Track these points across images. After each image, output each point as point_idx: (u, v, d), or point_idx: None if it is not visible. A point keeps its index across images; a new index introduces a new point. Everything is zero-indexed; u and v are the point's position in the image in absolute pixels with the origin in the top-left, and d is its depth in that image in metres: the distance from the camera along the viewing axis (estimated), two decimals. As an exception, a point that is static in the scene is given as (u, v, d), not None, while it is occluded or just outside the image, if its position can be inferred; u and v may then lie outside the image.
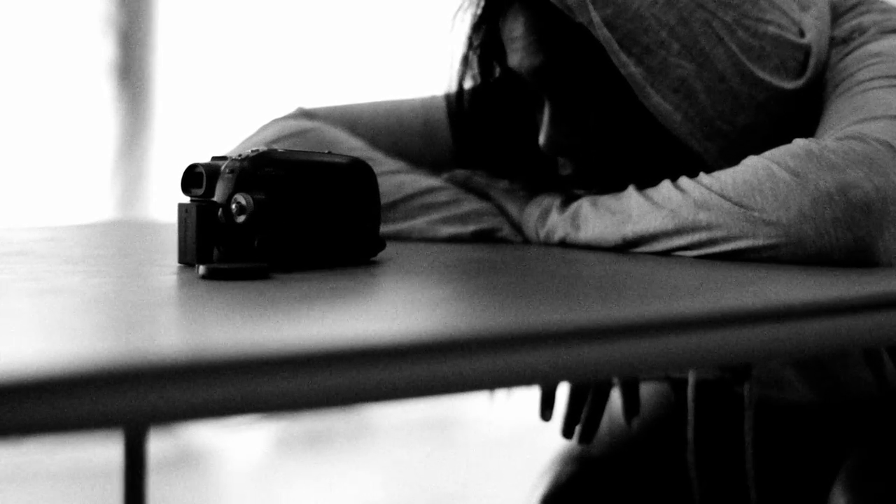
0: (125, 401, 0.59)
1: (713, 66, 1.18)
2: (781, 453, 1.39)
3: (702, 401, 1.37)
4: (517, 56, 1.23)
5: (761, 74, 1.19)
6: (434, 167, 1.36)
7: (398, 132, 1.38)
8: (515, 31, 1.23)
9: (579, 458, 1.42)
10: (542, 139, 1.24)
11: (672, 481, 1.38)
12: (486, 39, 1.30)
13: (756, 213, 1.08)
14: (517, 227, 1.29)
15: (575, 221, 1.21)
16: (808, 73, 1.22)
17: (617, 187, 1.21)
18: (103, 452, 3.00)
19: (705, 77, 1.18)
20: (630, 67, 1.17)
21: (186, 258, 1.03)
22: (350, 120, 1.38)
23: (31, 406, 0.57)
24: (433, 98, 1.38)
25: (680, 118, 1.18)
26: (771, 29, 1.20)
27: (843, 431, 1.38)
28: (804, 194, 1.06)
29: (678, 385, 1.40)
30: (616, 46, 1.17)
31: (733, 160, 1.14)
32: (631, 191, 1.18)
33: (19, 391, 0.57)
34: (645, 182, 1.18)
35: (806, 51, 1.23)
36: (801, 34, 1.23)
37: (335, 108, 1.40)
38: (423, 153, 1.38)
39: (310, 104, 1.40)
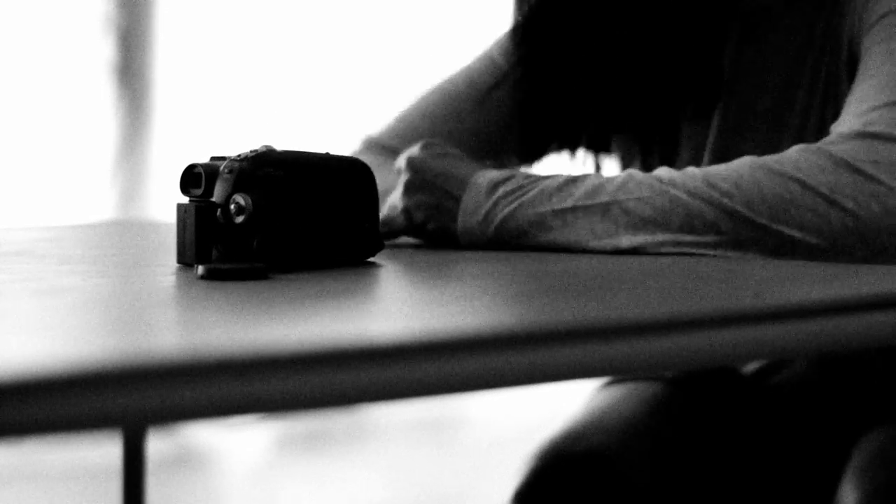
0: (124, 401, 0.59)
1: None
2: (785, 444, 1.38)
3: (695, 395, 1.36)
4: None
5: None
6: (488, 126, 1.37)
7: (453, 112, 1.39)
8: None
9: (558, 453, 1.40)
10: None
11: (653, 480, 1.36)
12: None
13: (786, 231, 1.07)
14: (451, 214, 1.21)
15: (564, 218, 1.17)
16: None
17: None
18: (103, 452, 3.00)
19: None
20: None
21: (185, 258, 1.03)
22: (413, 128, 1.38)
23: (31, 406, 0.57)
24: (469, 67, 1.39)
25: None
26: None
27: (849, 418, 1.37)
28: (840, 222, 1.06)
29: (677, 384, 1.40)
30: None
31: None
32: (630, 190, 1.17)
33: (19, 391, 0.57)
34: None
35: None
36: None
37: (395, 126, 1.39)
38: (476, 119, 1.38)
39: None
